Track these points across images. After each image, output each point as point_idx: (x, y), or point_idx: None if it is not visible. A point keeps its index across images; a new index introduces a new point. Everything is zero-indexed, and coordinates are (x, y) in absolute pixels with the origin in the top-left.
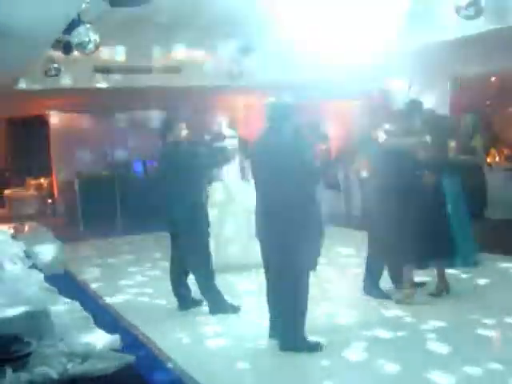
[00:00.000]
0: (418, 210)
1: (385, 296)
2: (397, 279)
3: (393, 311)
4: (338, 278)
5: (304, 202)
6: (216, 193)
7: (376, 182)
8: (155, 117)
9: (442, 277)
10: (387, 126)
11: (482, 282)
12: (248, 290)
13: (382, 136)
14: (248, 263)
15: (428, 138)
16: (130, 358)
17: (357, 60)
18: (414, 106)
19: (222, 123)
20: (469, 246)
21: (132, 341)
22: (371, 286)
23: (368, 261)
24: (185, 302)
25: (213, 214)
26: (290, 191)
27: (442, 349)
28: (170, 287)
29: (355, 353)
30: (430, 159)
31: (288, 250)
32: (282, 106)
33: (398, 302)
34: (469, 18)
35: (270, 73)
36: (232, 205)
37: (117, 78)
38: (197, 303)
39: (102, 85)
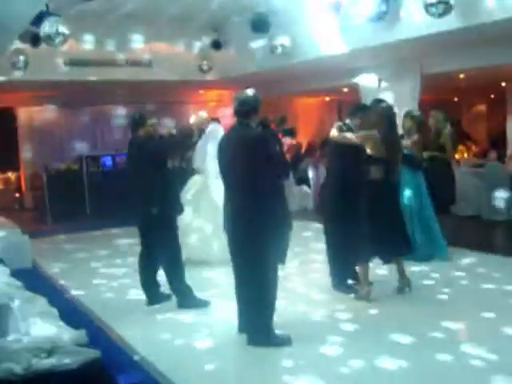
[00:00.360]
0: (365, 205)
1: (352, 291)
2: (354, 276)
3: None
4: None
5: (271, 196)
6: (193, 186)
7: (328, 176)
8: (125, 111)
9: (402, 273)
10: (347, 121)
11: (448, 277)
12: (220, 283)
13: (335, 131)
14: (214, 258)
15: (377, 134)
16: (95, 353)
17: (327, 55)
18: (374, 103)
19: (191, 118)
20: (434, 240)
21: (98, 336)
22: (338, 281)
23: (328, 256)
24: (154, 296)
25: (187, 206)
26: (256, 185)
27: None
28: (138, 282)
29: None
30: (379, 154)
31: (255, 243)
32: (247, 100)
33: (356, 298)
34: (437, 15)
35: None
36: (206, 198)
37: (87, 72)
38: (166, 298)
39: (72, 78)
